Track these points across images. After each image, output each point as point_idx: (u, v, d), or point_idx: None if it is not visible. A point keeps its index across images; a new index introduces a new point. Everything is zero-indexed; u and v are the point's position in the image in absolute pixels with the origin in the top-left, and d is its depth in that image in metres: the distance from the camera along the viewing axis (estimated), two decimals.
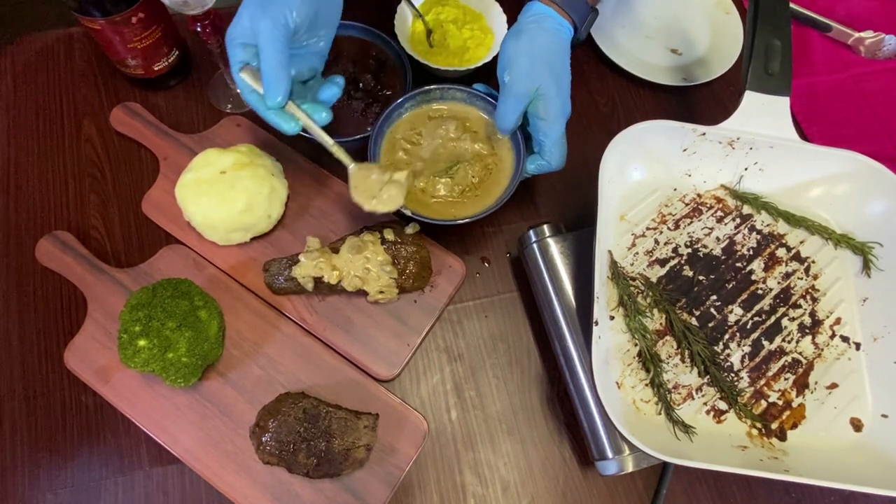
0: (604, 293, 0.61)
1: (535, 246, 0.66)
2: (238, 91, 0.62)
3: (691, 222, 0.68)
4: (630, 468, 0.58)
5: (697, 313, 0.63)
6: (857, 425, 0.61)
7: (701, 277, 0.65)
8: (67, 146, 0.76)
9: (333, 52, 0.75)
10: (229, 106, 0.79)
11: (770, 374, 0.62)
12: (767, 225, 0.68)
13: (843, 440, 0.60)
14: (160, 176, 0.72)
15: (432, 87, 0.71)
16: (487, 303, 0.72)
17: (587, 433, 0.61)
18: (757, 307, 0.64)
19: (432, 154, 0.70)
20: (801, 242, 0.68)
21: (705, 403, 0.60)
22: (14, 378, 0.65)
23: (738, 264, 0.66)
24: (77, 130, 0.77)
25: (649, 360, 0.60)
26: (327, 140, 0.59)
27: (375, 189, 0.61)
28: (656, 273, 0.65)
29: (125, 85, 0.79)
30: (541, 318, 0.68)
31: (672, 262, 0.65)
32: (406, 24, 0.80)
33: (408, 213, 0.65)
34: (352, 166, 0.61)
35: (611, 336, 0.61)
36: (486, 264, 0.74)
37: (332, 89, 0.62)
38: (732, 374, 0.61)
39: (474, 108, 0.72)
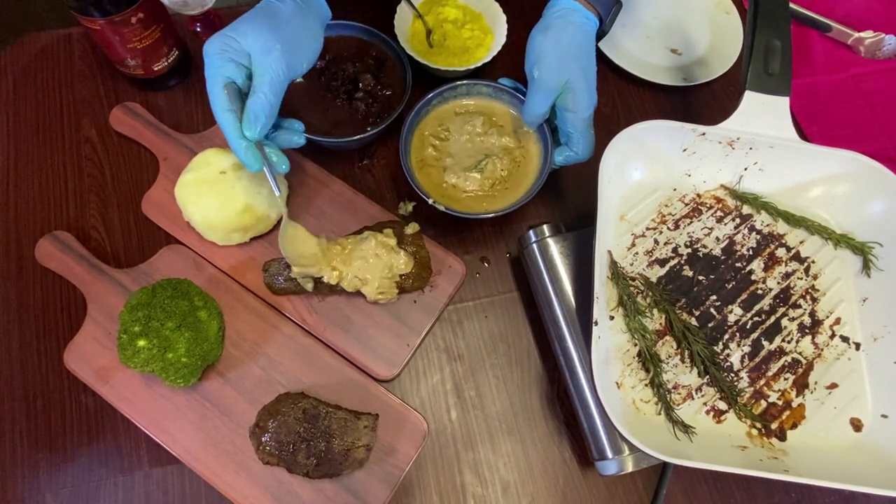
0: (603, 293, 0.61)
1: (534, 246, 0.66)
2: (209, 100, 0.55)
3: (691, 222, 0.68)
4: (630, 468, 0.58)
5: (697, 313, 0.63)
6: (857, 425, 0.60)
7: (701, 277, 0.65)
8: (67, 146, 0.76)
9: (333, 52, 0.75)
10: None
11: (770, 374, 0.62)
12: (767, 225, 0.68)
13: (843, 440, 0.60)
14: (160, 176, 0.72)
15: (459, 82, 0.72)
16: (487, 303, 0.72)
17: (587, 433, 0.61)
18: (757, 307, 0.64)
19: (461, 149, 0.71)
20: (801, 242, 0.68)
21: (705, 403, 0.60)
22: (14, 378, 0.65)
23: (738, 264, 0.66)
24: (76, 130, 0.77)
25: (649, 360, 0.60)
26: (276, 189, 0.58)
27: (309, 257, 0.62)
28: (656, 273, 0.65)
29: (125, 85, 0.79)
30: (541, 318, 0.68)
31: (672, 262, 0.65)
32: (406, 23, 0.80)
33: (441, 208, 0.65)
34: (286, 217, 0.61)
35: (611, 336, 0.61)
36: (486, 264, 0.74)
37: (292, 138, 0.61)
38: (732, 374, 0.61)
39: (500, 102, 0.73)
